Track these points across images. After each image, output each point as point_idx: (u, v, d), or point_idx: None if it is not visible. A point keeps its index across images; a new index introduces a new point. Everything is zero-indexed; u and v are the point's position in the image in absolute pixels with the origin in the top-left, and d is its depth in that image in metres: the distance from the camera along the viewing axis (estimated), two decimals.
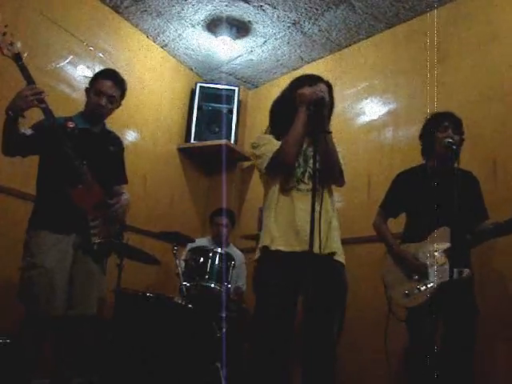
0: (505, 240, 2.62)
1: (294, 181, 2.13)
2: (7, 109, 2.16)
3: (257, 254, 2.16)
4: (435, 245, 2.46)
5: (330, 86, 2.26)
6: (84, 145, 2.39)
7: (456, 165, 2.32)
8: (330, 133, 2.08)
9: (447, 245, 2.40)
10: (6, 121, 2.20)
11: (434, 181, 2.58)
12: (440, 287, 2.38)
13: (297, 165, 2.15)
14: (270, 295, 2.06)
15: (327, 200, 2.11)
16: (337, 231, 2.16)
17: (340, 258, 2.12)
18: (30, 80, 2.19)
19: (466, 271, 2.35)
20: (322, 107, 2.04)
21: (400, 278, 2.52)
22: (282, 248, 2.07)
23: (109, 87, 2.46)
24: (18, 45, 2.21)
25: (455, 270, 2.27)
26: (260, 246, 2.15)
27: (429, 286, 2.41)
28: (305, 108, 2.08)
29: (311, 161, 2.09)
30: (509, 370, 2.75)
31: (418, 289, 2.43)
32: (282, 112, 2.23)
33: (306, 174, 2.14)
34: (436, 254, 2.45)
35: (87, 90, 2.53)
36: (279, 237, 2.08)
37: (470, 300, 2.44)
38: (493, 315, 2.79)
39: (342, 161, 2.19)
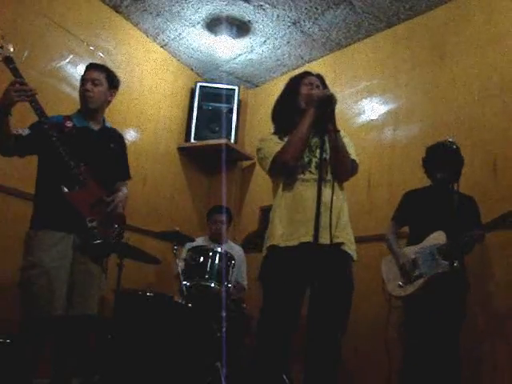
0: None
1: (298, 171, 2.13)
2: None
3: (264, 252, 2.16)
4: (430, 244, 2.73)
5: (321, 78, 2.33)
6: (83, 144, 2.39)
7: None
8: (339, 131, 2.09)
9: (441, 243, 2.69)
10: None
11: (436, 197, 2.84)
12: (431, 279, 2.64)
13: (306, 161, 2.15)
14: (277, 292, 2.06)
15: (337, 190, 2.09)
16: (347, 222, 2.16)
17: (349, 249, 2.09)
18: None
19: (456, 263, 2.56)
20: (331, 105, 2.03)
21: (396, 273, 2.81)
22: (287, 244, 2.05)
23: (90, 73, 2.52)
24: (10, 47, 2.19)
25: (446, 262, 2.60)
26: (266, 245, 2.14)
27: (421, 276, 2.68)
28: (314, 108, 2.08)
29: (317, 150, 2.10)
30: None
31: (411, 280, 2.72)
32: (284, 113, 2.27)
33: (313, 164, 2.13)
34: (431, 250, 2.70)
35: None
36: (284, 233, 2.08)
37: (459, 291, 2.63)
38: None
39: (355, 153, 2.22)
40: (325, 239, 1.91)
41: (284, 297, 2.03)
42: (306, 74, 2.33)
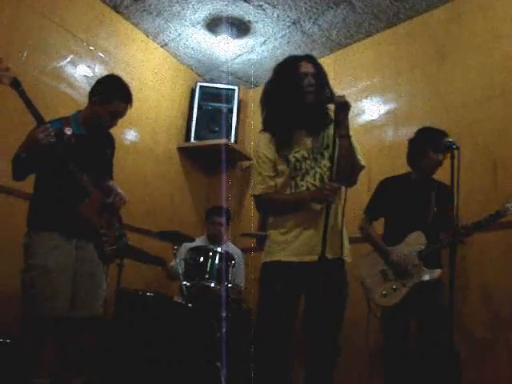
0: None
1: (301, 188, 2.08)
2: (20, 151, 2.20)
3: (261, 263, 2.13)
4: (409, 247, 2.68)
5: (314, 61, 2.16)
6: (82, 151, 2.36)
7: (456, 164, 2.35)
8: (351, 137, 2.03)
9: (420, 247, 2.64)
10: (17, 159, 2.22)
11: (415, 190, 2.79)
12: (414, 286, 2.61)
13: (305, 170, 2.09)
14: (272, 300, 2.05)
15: (339, 202, 2.07)
16: (344, 231, 2.12)
17: (346, 256, 2.08)
18: (34, 110, 2.16)
19: (438, 271, 2.60)
20: (346, 110, 2.00)
21: (378, 280, 2.72)
22: (288, 259, 2.03)
23: (125, 110, 2.52)
24: (10, 66, 2.16)
25: (428, 270, 2.60)
26: (263, 260, 2.13)
27: (405, 285, 2.63)
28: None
29: (322, 161, 2.09)
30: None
31: (394, 289, 2.64)
32: (287, 104, 2.11)
33: (317, 176, 2.08)
34: (410, 255, 2.66)
35: (96, 101, 2.44)
36: (285, 248, 2.05)
37: (441, 297, 2.59)
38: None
39: (362, 156, 2.14)
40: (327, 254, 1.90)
41: (280, 301, 2.02)
42: (299, 60, 2.16)
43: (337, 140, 1.96)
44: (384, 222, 2.91)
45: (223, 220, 3.83)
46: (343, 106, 1.99)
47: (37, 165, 2.28)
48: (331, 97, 2.03)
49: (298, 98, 2.08)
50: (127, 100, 2.50)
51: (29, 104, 2.16)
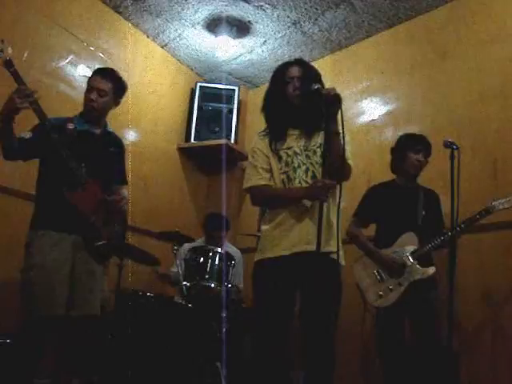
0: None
1: (294, 182, 2.09)
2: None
3: (254, 262, 2.14)
4: (403, 248, 2.70)
5: (302, 64, 2.19)
6: (83, 146, 2.39)
7: (456, 164, 2.36)
8: (339, 133, 2.00)
9: (413, 247, 2.67)
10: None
11: (402, 194, 2.83)
12: (410, 285, 2.62)
13: (297, 164, 2.11)
14: (267, 297, 2.05)
15: (330, 198, 2.06)
16: (337, 229, 2.10)
17: (338, 256, 2.07)
18: (22, 84, 2.18)
19: (432, 269, 2.63)
20: (336, 105, 1.95)
21: (373, 281, 2.73)
22: (281, 253, 2.03)
23: (97, 81, 2.49)
24: (9, 50, 2.19)
25: (422, 268, 2.63)
26: (256, 258, 2.13)
27: (401, 284, 2.64)
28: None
29: (314, 157, 2.10)
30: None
31: (391, 289, 2.65)
32: (272, 106, 2.21)
33: (310, 173, 2.09)
34: (404, 255, 2.68)
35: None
36: (278, 244, 2.05)
37: (433, 296, 2.64)
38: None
39: (351, 155, 2.16)
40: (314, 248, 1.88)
41: (274, 297, 2.02)
42: (287, 65, 2.20)
43: (328, 135, 1.96)
44: (375, 226, 2.92)
45: (222, 233, 3.81)
46: (333, 100, 1.95)
47: (27, 145, 2.28)
48: (317, 90, 1.98)
49: (286, 102, 2.13)
50: (96, 72, 2.55)
51: (21, 84, 2.17)
